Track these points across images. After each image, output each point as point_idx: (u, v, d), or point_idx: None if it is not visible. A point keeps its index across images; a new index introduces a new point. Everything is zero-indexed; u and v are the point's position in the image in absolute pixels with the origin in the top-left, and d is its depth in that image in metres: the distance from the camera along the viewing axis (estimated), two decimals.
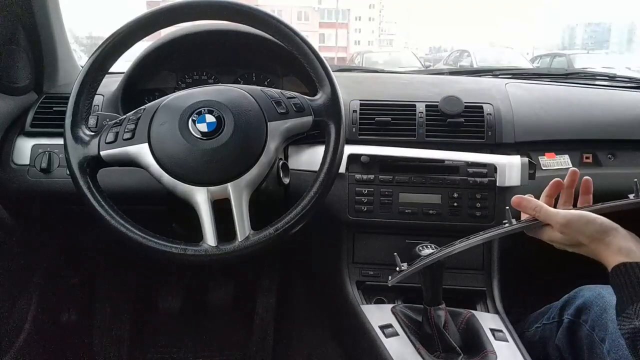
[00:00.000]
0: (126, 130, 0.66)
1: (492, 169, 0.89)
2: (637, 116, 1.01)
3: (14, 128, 0.95)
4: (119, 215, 0.65)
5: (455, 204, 0.90)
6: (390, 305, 0.88)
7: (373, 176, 0.91)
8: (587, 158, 0.97)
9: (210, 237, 0.64)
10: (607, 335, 0.70)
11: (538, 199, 0.68)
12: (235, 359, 1.33)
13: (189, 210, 0.65)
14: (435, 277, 0.76)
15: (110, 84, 0.96)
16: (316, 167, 0.71)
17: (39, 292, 1.18)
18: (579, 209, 0.66)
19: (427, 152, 0.90)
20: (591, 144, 0.98)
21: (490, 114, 0.94)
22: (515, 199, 0.69)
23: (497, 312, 0.88)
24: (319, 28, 36.04)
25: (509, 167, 0.87)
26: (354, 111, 0.96)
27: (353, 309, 0.91)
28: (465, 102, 0.94)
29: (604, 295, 0.76)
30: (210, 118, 0.65)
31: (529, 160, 0.88)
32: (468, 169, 0.90)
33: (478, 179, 0.90)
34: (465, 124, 0.93)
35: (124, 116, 0.69)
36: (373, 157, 0.91)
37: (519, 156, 0.89)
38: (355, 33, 42.19)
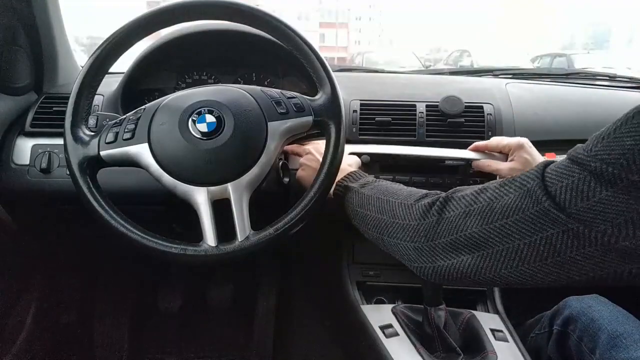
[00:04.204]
0: (126, 130, 0.66)
1: None
2: None
3: (14, 128, 0.95)
4: (119, 215, 0.65)
5: None
6: (391, 306, 0.88)
7: (373, 176, 0.91)
8: None
9: (210, 237, 0.64)
10: (597, 346, 0.70)
11: None
12: (235, 359, 1.33)
13: (189, 211, 0.65)
14: None
15: (110, 84, 0.96)
16: None
17: (39, 292, 1.18)
18: None
19: (428, 150, 0.89)
20: None
21: (491, 114, 0.94)
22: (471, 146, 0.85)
23: (497, 312, 0.88)
24: (319, 28, 36.05)
25: None
26: (354, 111, 0.96)
27: (353, 309, 0.91)
28: (465, 102, 0.94)
29: (592, 305, 0.76)
30: (210, 118, 0.65)
31: None
32: (468, 169, 0.90)
33: (478, 179, 0.90)
34: (466, 124, 0.93)
35: (124, 116, 0.69)
36: (373, 156, 0.91)
37: None
38: (355, 33, 42.20)
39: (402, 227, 0.56)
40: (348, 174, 0.73)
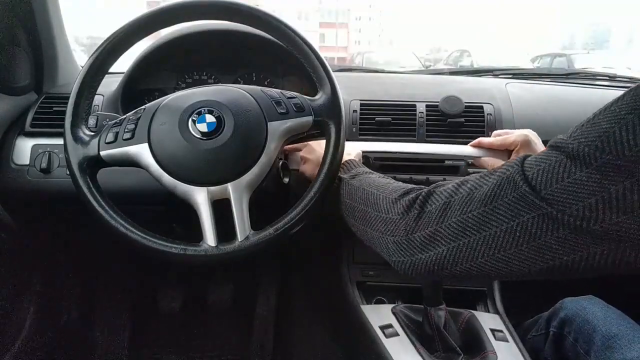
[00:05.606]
0: (126, 130, 0.66)
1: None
2: None
3: (14, 128, 0.95)
4: (119, 215, 0.65)
5: None
6: (391, 306, 0.88)
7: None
8: None
9: (210, 237, 0.64)
10: (592, 348, 0.71)
11: None
12: (235, 359, 1.33)
13: (189, 211, 0.65)
14: None
15: (110, 84, 0.96)
16: None
17: (39, 292, 1.18)
18: None
19: (429, 147, 0.89)
20: None
21: (491, 114, 0.94)
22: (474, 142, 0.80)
23: (497, 312, 0.88)
24: (319, 28, 36.06)
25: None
26: (354, 111, 0.96)
27: (353, 309, 0.91)
28: (465, 102, 0.94)
29: (586, 306, 0.76)
30: (210, 118, 0.65)
31: None
32: (468, 169, 0.90)
33: None
34: (466, 124, 0.93)
35: (124, 116, 0.69)
36: (373, 155, 0.91)
37: None
38: (355, 33, 42.21)
39: (384, 220, 0.56)
40: (343, 164, 0.72)
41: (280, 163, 0.86)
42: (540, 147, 0.76)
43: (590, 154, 0.38)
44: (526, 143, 0.76)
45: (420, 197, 0.53)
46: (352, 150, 0.80)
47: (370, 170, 0.70)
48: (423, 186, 0.56)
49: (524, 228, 0.42)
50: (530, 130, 0.77)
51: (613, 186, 0.36)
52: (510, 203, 0.43)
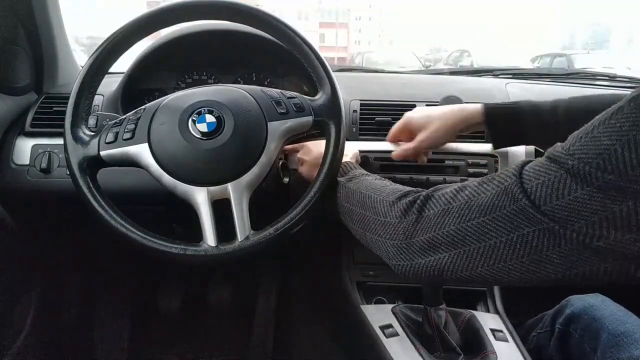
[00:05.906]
0: (126, 130, 0.66)
1: (492, 163, 0.89)
2: None
3: (14, 128, 0.95)
4: (119, 215, 0.65)
5: None
6: (391, 306, 0.88)
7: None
8: None
9: (210, 237, 0.64)
10: (599, 345, 0.70)
11: None
12: (235, 359, 1.33)
13: (189, 211, 0.65)
14: None
15: (110, 84, 0.96)
16: None
17: (39, 292, 1.18)
18: None
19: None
20: None
21: None
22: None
23: (497, 312, 0.88)
24: (319, 28, 36.08)
25: (512, 156, 0.85)
26: (354, 111, 0.96)
27: (353, 309, 0.91)
28: (465, 102, 0.94)
29: (594, 304, 0.76)
30: (210, 118, 0.65)
31: (535, 149, 0.85)
32: (468, 169, 0.90)
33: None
34: None
35: (124, 116, 0.69)
36: (372, 155, 0.91)
37: (523, 146, 0.86)
38: (355, 33, 42.22)
39: (383, 224, 0.56)
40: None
41: (280, 163, 0.86)
42: (423, 113, 0.82)
43: (591, 172, 0.37)
44: (409, 124, 0.83)
45: (418, 200, 0.53)
46: (349, 151, 0.80)
47: (367, 172, 0.69)
48: (420, 189, 0.56)
49: (525, 241, 0.41)
50: (416, 110, 0.84)
51: (617, 206, 0.36)
52: (510, 215, 0.42)
